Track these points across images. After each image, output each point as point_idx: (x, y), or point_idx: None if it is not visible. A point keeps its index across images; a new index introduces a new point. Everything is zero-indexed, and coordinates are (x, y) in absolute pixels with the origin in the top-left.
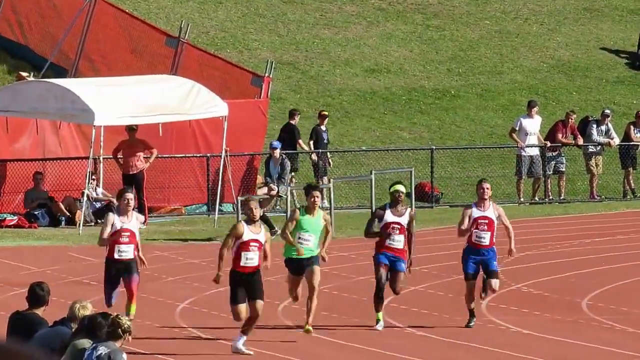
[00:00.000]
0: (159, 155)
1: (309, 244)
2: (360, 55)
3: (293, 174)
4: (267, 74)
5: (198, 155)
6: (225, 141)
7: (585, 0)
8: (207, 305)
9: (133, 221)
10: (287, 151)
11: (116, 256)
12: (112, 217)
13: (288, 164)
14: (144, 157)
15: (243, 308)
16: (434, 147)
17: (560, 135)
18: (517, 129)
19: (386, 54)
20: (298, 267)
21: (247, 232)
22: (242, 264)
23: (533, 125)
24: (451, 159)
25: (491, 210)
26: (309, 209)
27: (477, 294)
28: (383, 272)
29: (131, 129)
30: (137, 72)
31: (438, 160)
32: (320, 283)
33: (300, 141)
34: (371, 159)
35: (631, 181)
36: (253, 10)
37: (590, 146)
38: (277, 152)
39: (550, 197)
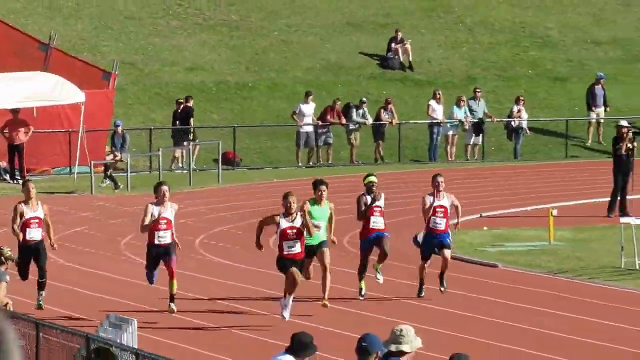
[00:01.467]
0: (34, 131)
1: (319, 230)
2: (182, 57)
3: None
4: (114, 71)
5: (62, 130)
6: (82, 120)
7: (348, 17)
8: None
9: (169, 210)
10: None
11: (156, 241)
12: (151, 208)
13: (128, 137)
14: (24, 132)
15: (295, 271)
16: (236, 126)
17: (329, 117)
18: (297, 112)
19: (201, 57)
20: (310, 251)
21: (284, 222)
22: (285, 252)
23: (308, 109)
24: (249, 134)
25: (446, 200)
26: (317, 200)
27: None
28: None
29: (14, 111)
30: (18, 69)
31: (239, 135)
32: (330, 262)
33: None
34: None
35: (381, 150)
36: (104, 24)
37: (350, 124)
38: (120, 129)
39: (321, 162)
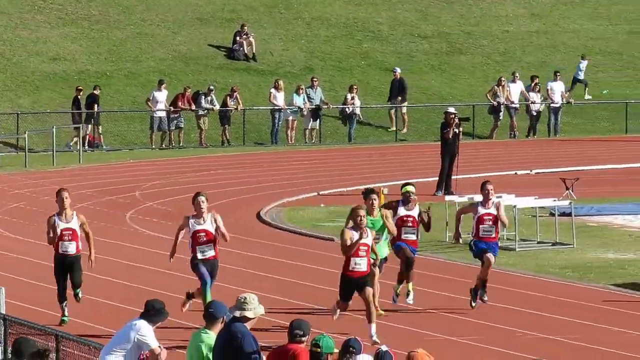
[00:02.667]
0: None
1: (380, 242)
2: (47, 48)
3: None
4: None
5: None
6: None
7: (196, 12)
8: None
9: (208, 221)
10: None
11: (200, 257)
12: (187, 221)
13: None
14: None
15: (348, 304)
16: (95, 111)
17: (180, 103)
18: (151, 99)
19: (64, 48)
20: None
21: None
22: (350, 268)
23: (161, 96)
24: (107, 119)
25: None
26: (369, 212)
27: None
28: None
29: None
30: None
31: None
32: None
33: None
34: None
35: (227, 134)
36: None
37: (200, 110)
38: None
39: (173, 145)
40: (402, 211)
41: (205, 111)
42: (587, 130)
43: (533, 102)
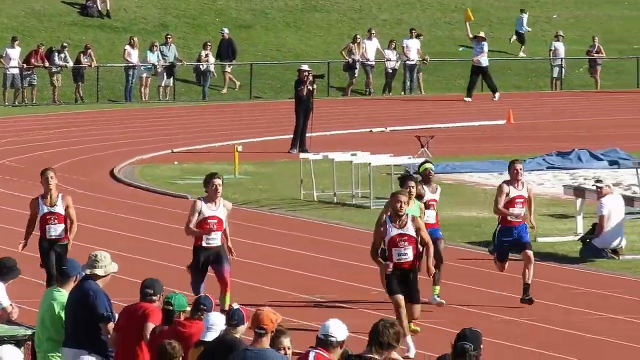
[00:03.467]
0: None
1: None
2: None
3: None
4: None
5: None
6: None
7: None
8: None
9: (220, 208)
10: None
11: (204, 244)
12: (200, 205)
13: None
14: None
15: (401, 298)
16: None
17: (33, 60)
18: (4, 56)
19: None
20: None
21: (391, 228)
22: (395, 260)
23: (14, 53)
24: None
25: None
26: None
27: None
28: None
29: None
30: None
31: None
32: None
33: None
34: None
35: (80, 91)
36: None
37: (53, 67)
38: None
39: (26, 102)
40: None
41: (59, 68)
42: (443, 88)
43: (388, 60)
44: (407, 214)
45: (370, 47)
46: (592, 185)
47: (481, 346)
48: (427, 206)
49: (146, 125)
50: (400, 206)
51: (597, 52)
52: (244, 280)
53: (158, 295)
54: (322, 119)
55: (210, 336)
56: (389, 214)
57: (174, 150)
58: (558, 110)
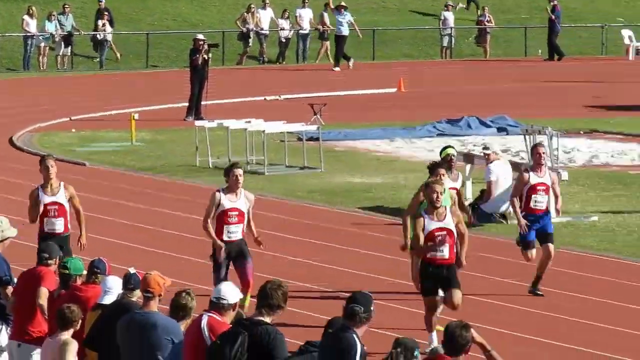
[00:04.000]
0: None
1: None
2: None
3: None
4: None
5: None
6: None
7: None
8: None
9: (242, 199)
10: None
11: (225, 237)
12: (219, 196)
13: None
14: None
15: (436, 300)
16: None
17: None
18: None
19: None
20: None
21: (429, 222)
22: (428, 255)
23: None
24: None
25: (547, 177)
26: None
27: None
28: None
29: None
30: None
31: None
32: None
33: None
34: None
35: None
36: None
37: None
38: None
39: None
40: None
41: None
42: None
43: (282, 29)
44: (444, 206)
45: (265, 17)
46: (481, 152)
47: (372, 309)
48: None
49: (44, 94)
50: (437, 197)
51: (488, 22)
52: (142, 245)
53: (54, 259)
54: (217, 87)
55: (108, 299)
56: (421, 202)
57: (72, 118)
58: (448, 79)
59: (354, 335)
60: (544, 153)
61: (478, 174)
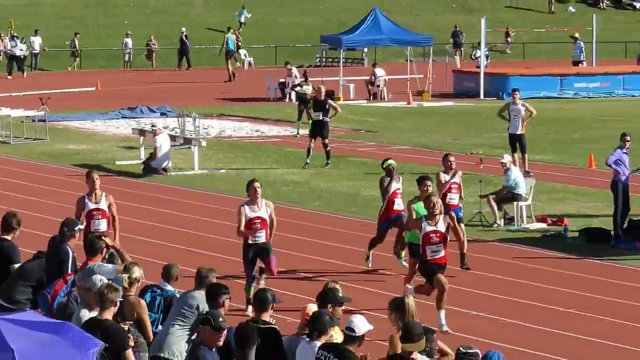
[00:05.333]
0: None
1: None
2: None
3: None
4: None
5: None
6: None
7: None
8: None
9: (263, 208)
10: None
11: (250, 241)
12: (243, 209)
13: None
14: None
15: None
16: None
17: None
18: None
19: None
20: (418, 250)
21: (425, 225)
22: (428, 257)
23: None
24: None
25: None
26: (421, 198)
27: None
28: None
29: None
30: None
31: None
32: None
33: None
34: None
35: None
36: None
37: None
38: None
39: None
40: (386, 182)
41: None
42: (59, 66)
43: (18, 49)
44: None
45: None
46: (151, 129)
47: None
48: (395, 195)
49: None
50: (434, 205)
51: (153, 44)
52: None
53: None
54: None
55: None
56: (422, 215)
57: None
58: (132, 80)
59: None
60: (453, 161)
61: (148, 143)
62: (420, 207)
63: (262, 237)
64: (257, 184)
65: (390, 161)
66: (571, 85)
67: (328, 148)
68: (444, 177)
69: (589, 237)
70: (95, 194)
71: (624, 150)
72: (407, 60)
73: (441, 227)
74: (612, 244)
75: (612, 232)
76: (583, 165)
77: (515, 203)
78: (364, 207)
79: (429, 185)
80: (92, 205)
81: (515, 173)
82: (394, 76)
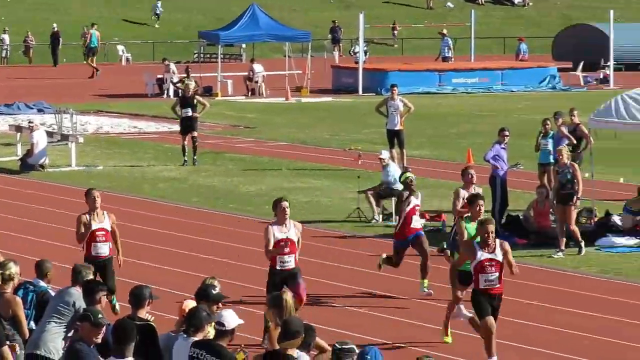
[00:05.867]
0: None
1: None
2: None
3: None
4: None
5: None
6: None
7: None
8: None
9: (291, 229)
10: None
11: (278, 267)
12: (271, 230)
13: None
14: None
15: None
16: None
17: None
18: None
19: None
20: (468, 277)
21: (480, 253)
22: (481, 286)
23: None
24: None
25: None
26: (473, 219)
27: None
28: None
29: None
30: None
31: None
32: None
33: None
34: None
35: None
36: None
37: None
38: None
39: None
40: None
41: None
42: None
43: None
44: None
45: None
46: (27, 125)
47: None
48: (413, 211)
49: None
50: (488, 235)
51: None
52: None
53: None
54: None
55: None
56: (476, 240)
57: None
58: (10, 76)
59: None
60: (474, 175)
61: (25, 139)
62: (471, 229)
63: (291, 262)
64: (285, 204)
65: (408, 174)
66: (450, 80)
67: (196, 143)
68: (464, 194)
69: None
70: (97, 213)
71: (502, 146)
72: (285, 56)
73: (498, 255)
74: None
75: None
76: (461, 161)
77: (393, 199)
78: (242, 204)
79: (482, 205)
80: (95, 225)
81: (394, 169)
82: (272, 72)
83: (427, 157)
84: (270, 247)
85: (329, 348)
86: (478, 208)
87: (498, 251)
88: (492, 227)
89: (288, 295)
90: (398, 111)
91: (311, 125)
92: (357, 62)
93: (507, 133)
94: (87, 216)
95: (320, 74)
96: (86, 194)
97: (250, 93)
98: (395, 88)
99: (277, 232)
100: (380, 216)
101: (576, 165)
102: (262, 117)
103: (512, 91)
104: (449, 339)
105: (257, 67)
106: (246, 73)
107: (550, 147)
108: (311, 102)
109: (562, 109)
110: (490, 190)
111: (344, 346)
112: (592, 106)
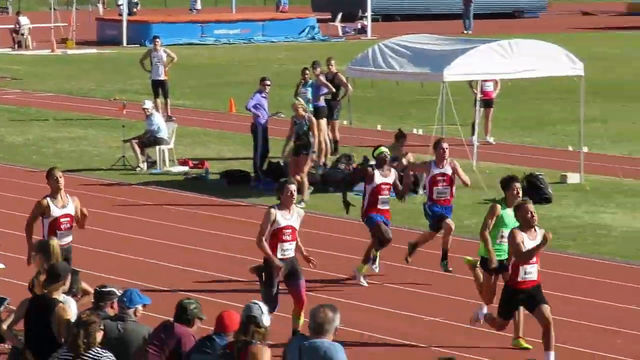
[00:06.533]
0: None
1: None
2: None
3: None
4: None
5: None
6: None
7: None
8: None
9: (295, 216)
10: None
11: (279, 255)
12: (274, 213)
13: None
14: None
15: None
16: None
17: None
18: None
19: None
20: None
21: (526, 240)
22: (519, 279)
23: None
24: None
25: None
26: (509, 203)
27: None
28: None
29: None
30: None
31: None
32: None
33: None
34: None
35: None
36: None
37: None
38: None
39: None
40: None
41: None
42: None
43: None
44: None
45: None
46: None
47: None
48: (381, 190)
49: None
50: (532, 216)
51: None
52: None
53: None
54: None
55: None
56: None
57: None
58: None
59: None
60: (446, 148)
61: None
62: (507, 215)
63: (291, 250)
64: (292, 187)
65: (383, 149)
66: (212, 32)
67: None
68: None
69: (229, 179)
70: (61, 196)
71: (263, 95)
72: (50, 9)
73: (538, 239)
74: (252, 185)
75: (252, 174)
76: (224, 110)
77: (157, 147)
78: (11, 154)
79: (519, 187)
80: (58, 211)
81: (158, 118)
82: (38, 25)
83: (191, 107)
84: (266, 234)
85: (92, 291)
86: (515, 192)
87: (539, 236)
88: (532, 207)
89: (54, 242)
90: (162, 62)
91: (77, 76)
92: (121, 15)
93: (268, 82)
94: (49, 200)
95: (85, 26)
96: (47, 174)
97: (17, 45)
98: (157, 39)
99: (280, 218)
100: (145, 164)
101: (314, 120)
102: (28, 69)
103: (273, 42)
104: (525, 345)
105: (23, 20)
106: (12, 26)
107: (309, 95)
108: (77, 53)
109: (320, 59)
110: (252, 138)
111: (103, 289)
112: (351, 56)
